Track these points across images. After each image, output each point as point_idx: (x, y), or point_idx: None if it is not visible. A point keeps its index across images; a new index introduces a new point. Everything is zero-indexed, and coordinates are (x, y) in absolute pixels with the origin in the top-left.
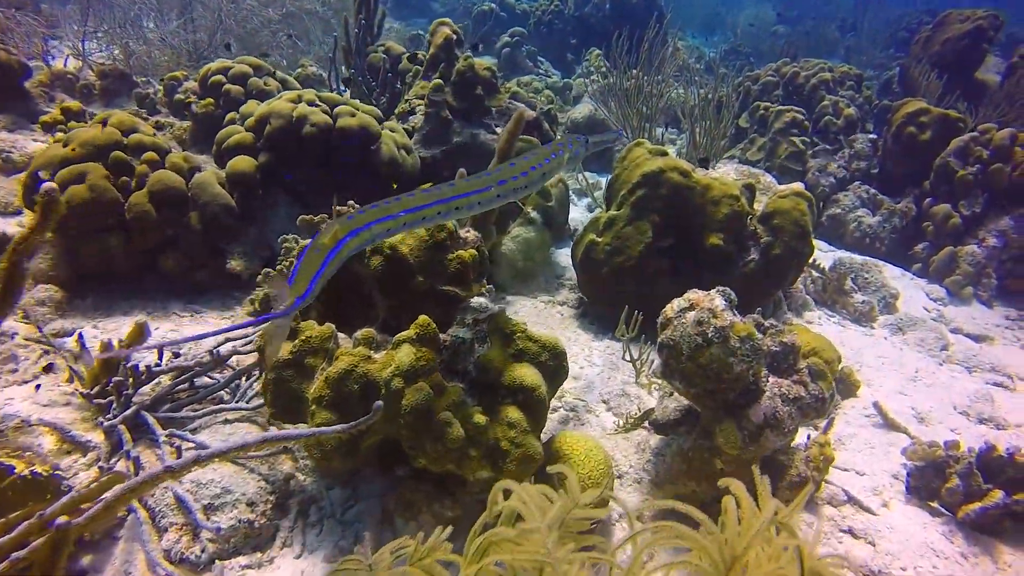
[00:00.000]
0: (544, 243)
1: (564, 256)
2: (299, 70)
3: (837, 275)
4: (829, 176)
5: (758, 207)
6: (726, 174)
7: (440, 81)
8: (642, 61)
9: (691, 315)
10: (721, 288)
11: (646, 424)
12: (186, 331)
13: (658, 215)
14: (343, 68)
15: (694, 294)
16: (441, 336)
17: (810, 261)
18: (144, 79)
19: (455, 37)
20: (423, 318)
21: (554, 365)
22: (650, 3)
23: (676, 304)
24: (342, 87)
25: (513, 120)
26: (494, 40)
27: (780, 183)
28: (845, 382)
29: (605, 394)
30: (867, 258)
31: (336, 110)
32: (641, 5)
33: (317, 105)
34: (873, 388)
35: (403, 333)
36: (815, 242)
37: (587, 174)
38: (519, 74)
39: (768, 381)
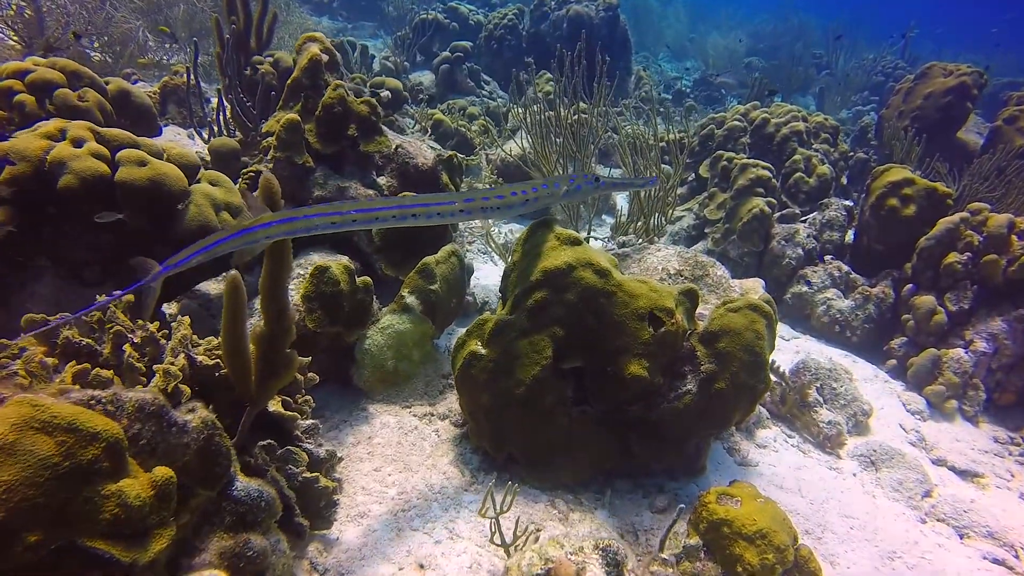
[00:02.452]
0: (424, 337)
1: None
2: (165, 78)
3: (799, 384)
4: (796, 247)
5: (703, 311)
6: (666, 261)
7: (295, 116)
8: (598, 93)
9: None
10: (602, 546)
11: None
12: None
13: (562, 328)
14: (222, 82)
15: (557, 551)
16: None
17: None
18: None
19: (326, 58)
20: None
21: None
22: (613, 26)
23: (526, 566)
24: (210, 110)
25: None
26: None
27: (740, 251)
28: (802, 570)
29: None
30: (836, 361)
31: (120, 155)
32: (603, 27)
33: (84, 145)
34: (838, 571)
35: None
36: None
37: (503, 230)
38: (458, 95)
39: None
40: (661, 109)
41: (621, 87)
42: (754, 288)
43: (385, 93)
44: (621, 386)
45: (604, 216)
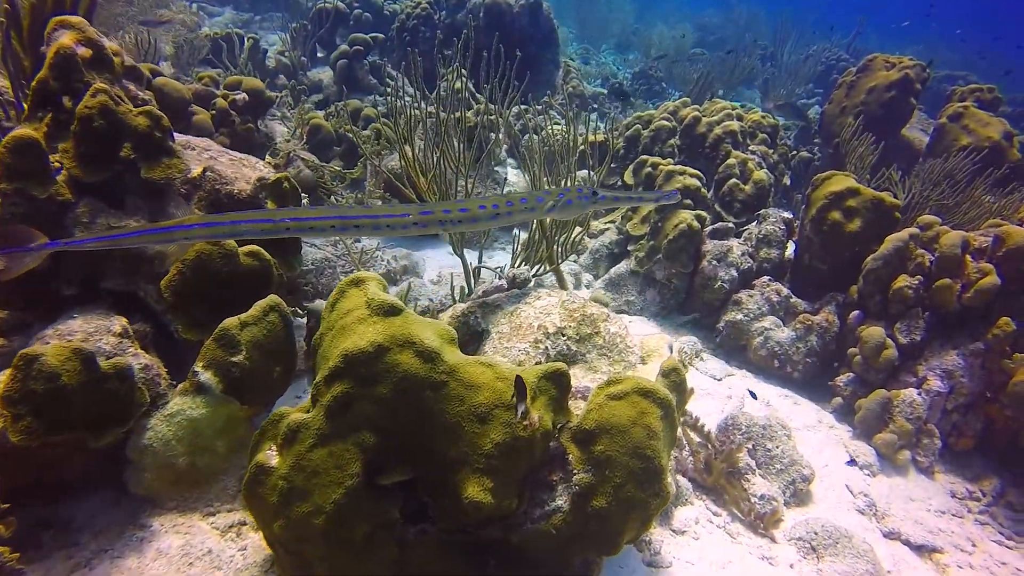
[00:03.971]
0: (232, 421)
1: None
2: None
3: (728, 447)
4: (730, 267)
5: (588, 383)
6: (545, 315)
7: (30, 133)
8: (501, 90)
9: None
10: None
11: None
12: None
13: (375, 433)
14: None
15: None
16: None
17: (689, 418)
18: None
19: (86, 52)
20: None
21: None
22: (535, 14)
23: None
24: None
25: None
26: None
27: (667, 272)
28: None
29: None
30: (774, 404)
31: None
32: (523, 16)
33: None
34: None
35: None
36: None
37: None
38: (361, 94)
39: None
40: (595, 105)
41: (548, 82)
42: (657, 350)
43: (241, 96)
44: (460, 510)
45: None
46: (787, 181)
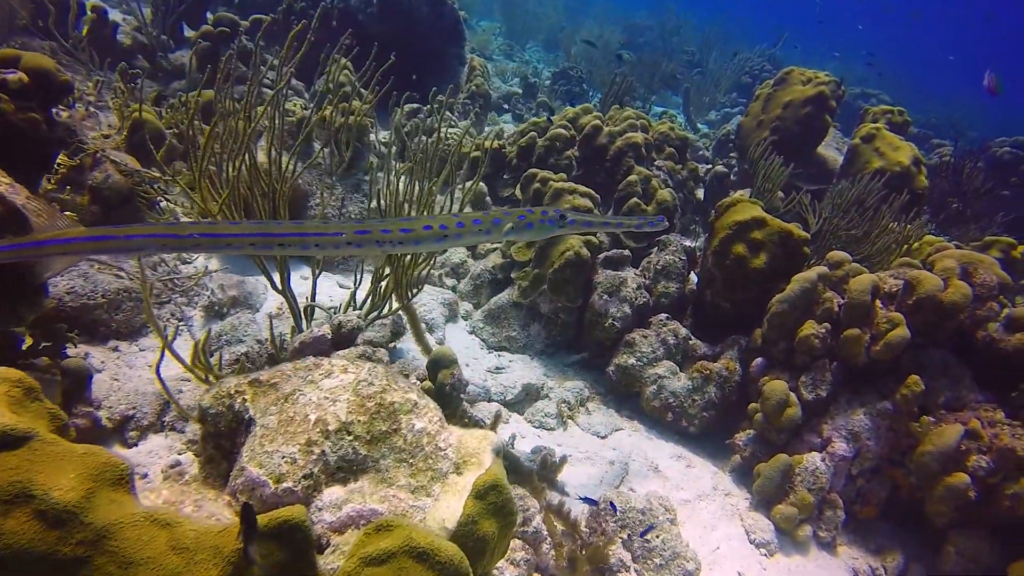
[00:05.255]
0: None
1: None
2: None
3: (597, 540)
4: (623, 303)
5: (376, 508)
6: (329, 403)
7: None
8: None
9: None
10: None
11: None
12: None
13: None
14: None
15: None
16: None
17: (553, 501)
18: None
19: None
20: None
21: None
22: (438, 6)
23: None
24: None
25: None
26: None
27: (553, 306)
28: None
29: None
30: (653, 495)
31: None
32: (423, 6)
33: None
34: None
35: None
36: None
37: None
38: (232, 86)
39: None
40: (506, 106)
41: (453, 78)
42: (478, 454)
43: (15, 75)
44: None
45: None
46: (700, 195)
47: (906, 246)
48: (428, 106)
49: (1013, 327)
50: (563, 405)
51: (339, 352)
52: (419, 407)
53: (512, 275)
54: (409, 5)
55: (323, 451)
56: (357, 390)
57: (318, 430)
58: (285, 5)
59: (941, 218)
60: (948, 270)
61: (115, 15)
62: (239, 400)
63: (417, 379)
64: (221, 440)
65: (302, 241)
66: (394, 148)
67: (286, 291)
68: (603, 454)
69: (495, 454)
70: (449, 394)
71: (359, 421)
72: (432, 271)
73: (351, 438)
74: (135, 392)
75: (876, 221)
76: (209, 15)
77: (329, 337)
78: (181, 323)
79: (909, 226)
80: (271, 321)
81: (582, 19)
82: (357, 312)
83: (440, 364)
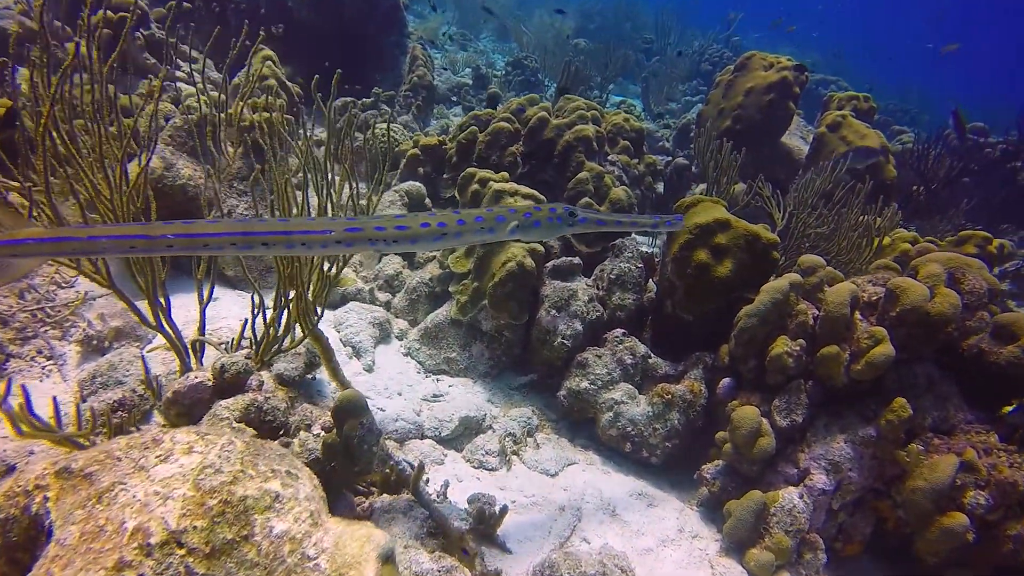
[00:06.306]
0: None
1: None
2: None
3: None
4: (573, 319)
5: None
6: (160, 500)
7: None
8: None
9: None
10: None
11: None
12: None
13: None
14: None
15: None
16: None
17: (488, 567)
18: None
19: None
20: None
21: None
22: None
23: None
24: None
25: None
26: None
27: (495, 323)
28: None
29: None
30: (608, 556)
31: None
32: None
33: None
34: None
35: None
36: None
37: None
38: (141, 77)
39: None
40: (455, 98)
41: (392, 68)
42: (355, 566)
43: None
44: None
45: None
46: (660, 189)
47: (877, 241)
48: (363, 100)
49: (1003, 336)
50: (507, 439)
51: (221, 403)
52: (281, 500)
53: (450, 288)
54: None
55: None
56: (198, 482)
57: (135, 545)
58: None
59: (907, 209)
60: (934, 276)
61: None
62: (38, 499)
63: (323, 428)
64: (16, 553)
65: (287, 240)
66: (323, 148)
67: (158, 321)
68: (553, 497)
69: (382, 561)
70: (358, 447)
71: (196, 528)
72: (363, 285)
73: (183, 553)
74: None
75: (846, 215)
76: None
77: (210, 384)
78: (49, 362)
79: (879, 219)
80: (145, 362)
81: (533, 5)
82: (246, 351)
83: (346, 412)
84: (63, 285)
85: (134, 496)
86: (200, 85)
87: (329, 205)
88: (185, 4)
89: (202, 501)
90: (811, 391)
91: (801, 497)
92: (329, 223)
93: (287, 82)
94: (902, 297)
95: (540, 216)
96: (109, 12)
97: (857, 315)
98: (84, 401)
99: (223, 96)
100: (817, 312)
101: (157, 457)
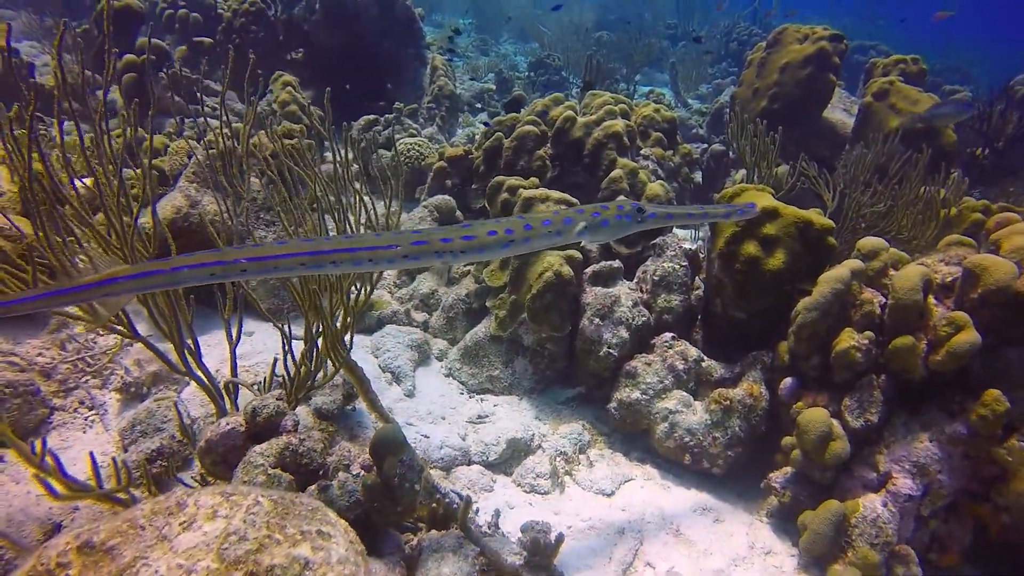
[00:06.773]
0: None
1: None
2: None
3: None
4: (618, 326)
5: None
6: (187, 566)
7: None
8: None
9: None
10: None
11: None
12: None
13: None
14: None
15: None
16: None
17: None
18: None
19: None
20: None
21: None
22: (387, 5)
23: None
24: None
25: None
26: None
27: (536, 337)
28: None
29: None
30: (674, 571)
31: None
32: (371, 6)
33: None
34: None
35: None
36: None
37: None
38: (158, 118)
39: None
40: (479, 105)
41: (413, 81)
42: None
43: None
44: None
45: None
46: (698, 179)
47: (944, 213)
48: (386, 116)
49: None
50: (559, 459)
51: (255, 449)
52: (312, 567)
53: (487, 303)
54: (355, 7)
55: None
56: (222, 553)
57: None
58: (225, 24)
59: (971, 175)
60: (1020, 250)
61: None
62: None
63: (363, 466)
64: None
65: (354, 257)
66: (350, 168)
67: (187, 366)
68: (611, 518)
69: None
70: (399, 486)
71: None
72: (398, 306)
73: None
74: (20, 515)
75: (904, 191)
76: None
77: (242, 429)
78: (91, 412)
79: (943, 190)
80: (178, 409)
81: (549, 3)
82: (278, 392)
83: (384, 449)
84: (101, 332)
85: (156, 572)
86: (224, 118)
87: (360, 226)
88: (206, 40)
89: (226, 574)
90: (884, 387)
91: (885, 505)
92: (394, 237)
93: (308, 106)
94: (984, 276)
95: (608, 215)
96: (131, 55)
97: (931, 300)
98: (126, 451)
99: (247, 126)
100: (884, 300)
101: (180, 525)
